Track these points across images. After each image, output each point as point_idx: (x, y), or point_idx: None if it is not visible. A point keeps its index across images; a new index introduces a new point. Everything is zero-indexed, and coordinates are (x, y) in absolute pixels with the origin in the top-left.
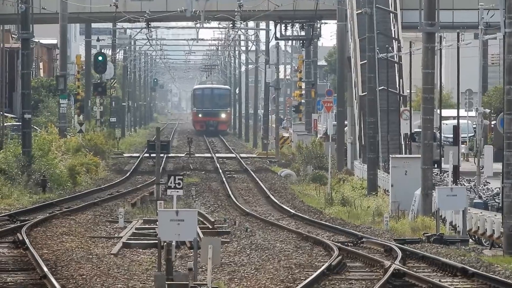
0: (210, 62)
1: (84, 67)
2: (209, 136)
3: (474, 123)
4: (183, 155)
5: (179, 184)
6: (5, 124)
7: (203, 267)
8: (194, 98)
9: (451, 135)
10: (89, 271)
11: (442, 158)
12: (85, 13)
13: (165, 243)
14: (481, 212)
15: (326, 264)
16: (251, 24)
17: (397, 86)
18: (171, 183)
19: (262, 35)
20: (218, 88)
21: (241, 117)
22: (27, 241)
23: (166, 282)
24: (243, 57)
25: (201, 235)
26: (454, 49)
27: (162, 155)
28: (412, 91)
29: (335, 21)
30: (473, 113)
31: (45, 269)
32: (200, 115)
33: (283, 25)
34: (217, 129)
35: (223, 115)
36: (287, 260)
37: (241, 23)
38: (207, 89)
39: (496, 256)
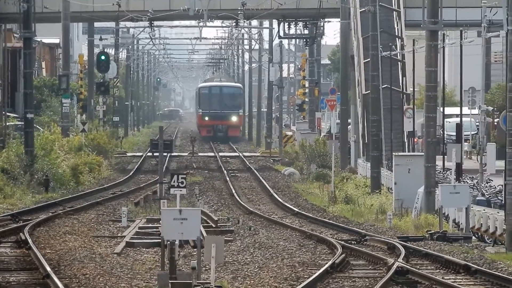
0: (216, 58)
1: (86, 67)
2: (217, 142)
3: (477, 120)
4: (186, 154)
5: (182, 183)
6: (7, 123)
7: (207, 266)
8: (200, 98)
9: (454, 133)
10: (92, 271)
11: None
12: (88, 12)
13: (168, 242)
14: (484, 210)
15: (330, 262)
16: (254, 22)
17: (400, 84)
18: (174, 182)
19: (266, 33)
20: (228, 86)
21: (245, 116)
22: (30, 240)
23: (170, 281)
24: (246, 56)
25: (205, 234)
26: (457, 47)
27: (165, 154)
28: (415, 89)
29: (339, 19)
30: (476, 111)
31: (48, 268)
32: (206, 118)
33: (286, 24)
34: (227, 134)
35: (234, 118)
36: (291, 258)
37: (244, 21)
38: (215, 88)
39: (499, 253)
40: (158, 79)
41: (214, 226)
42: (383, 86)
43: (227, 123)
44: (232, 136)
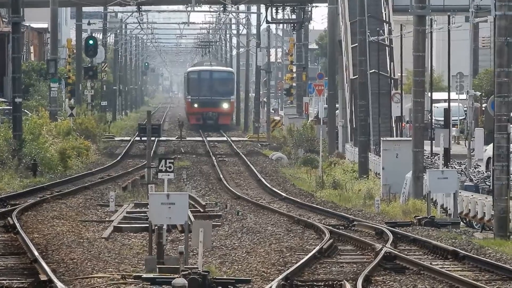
0: (205, 41)
1: (75, 51)
2: (207, 130)
3: (465, 106)
4: (174, 138)
5: (170, 167)
6: None
7: (194, 251)
8: (189, 84)
9: (442, 118)
10: (80, 255)
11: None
12: None
13: (156, 227)
14: (472, 195)
15: (318, 247)
16: (242, 7)
17: (388, 69)
18: (162, 166)
19: (253, 18)
20: (219, 70)
21: None
22: (17, 225)
23: (157, 266)
24: (234, 40)
25: (192, 219)
26: (445, 32)
27: (153, 138)
28: (403, 74)
29: (326, 4)
30: (464, 96)
31: (36, 253)
32: (195, 105)
33: (274, 9)
34: (218, 122)
35: (225, 105)
36: (278, 243)
37: (232, 6)
38: (204, 72)
39: (487, 239)
40: (146, 64)
41: (202, 210)
42: (371, 71)
43: (217, 111)
44: (223, 124)
